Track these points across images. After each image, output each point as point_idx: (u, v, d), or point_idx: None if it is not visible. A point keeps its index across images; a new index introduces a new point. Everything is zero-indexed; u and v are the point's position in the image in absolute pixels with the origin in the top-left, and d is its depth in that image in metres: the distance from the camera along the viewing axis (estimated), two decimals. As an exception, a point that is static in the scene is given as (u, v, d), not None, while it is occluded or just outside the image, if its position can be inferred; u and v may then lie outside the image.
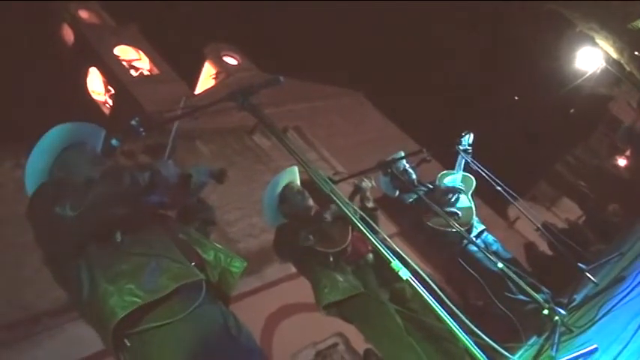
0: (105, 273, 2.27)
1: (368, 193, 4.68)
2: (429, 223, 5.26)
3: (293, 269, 4.69)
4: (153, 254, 2.36)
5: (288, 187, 4.44)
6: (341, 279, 4.05)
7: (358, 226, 2.31)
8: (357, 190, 4.65)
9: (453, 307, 2.28)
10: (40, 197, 2.38)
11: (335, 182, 4.12)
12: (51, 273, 2.40)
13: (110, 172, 2.36)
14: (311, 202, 4.39)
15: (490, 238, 5.59)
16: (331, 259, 4.11)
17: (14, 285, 7.61)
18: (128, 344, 2.24)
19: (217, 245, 2.71)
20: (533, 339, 4.59)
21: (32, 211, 2.35)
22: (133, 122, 2.52)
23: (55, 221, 2.21)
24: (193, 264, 2.46)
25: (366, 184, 4.65)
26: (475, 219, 5.50)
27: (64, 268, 2.35)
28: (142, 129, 2.55)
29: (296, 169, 4.47)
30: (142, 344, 2.23)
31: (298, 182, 4.55)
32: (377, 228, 3.01)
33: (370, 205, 4.67)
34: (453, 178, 5.63)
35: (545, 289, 4.80)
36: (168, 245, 2.45)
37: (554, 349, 3.30)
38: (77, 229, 2.22)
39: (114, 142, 2.55)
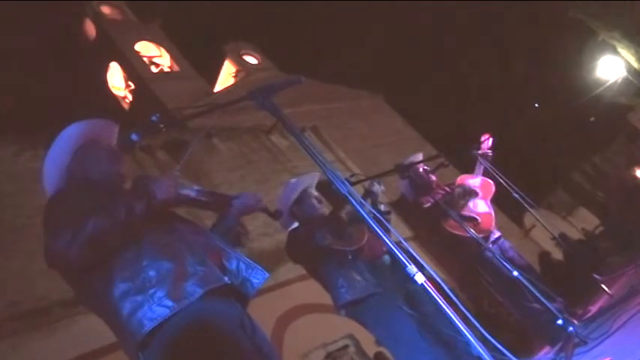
0: (133, 283, 2.25)
1: (380, 197, 4.65)
2: (447, 227, 5.24)
3: (306, 269, 4.68)
4: (178, 258, 2.35)
5: (306, 191, 4.44)
6: (358, 278, 4.02)
7: (375, 230, 2.29)
8: (368, 194, 4.63)
9: (467, 314, 2.27)
10: (52, 213, 2.37)
11: (352, 184, 4.12)
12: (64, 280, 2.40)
13: (106, 205, 2.30)
14: (324, 210, 4.40)
15: (506, 244, 5.55)
16: (350, 257, 4.09)
17: (27, 276, 7.64)
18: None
19: (240, 255, 2.70)
20: (547, 349, 4.56)
21: (44, 223, 2.33)
22: (154, 118, 2.51)
23: (58, 252, 2.17)
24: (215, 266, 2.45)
25: (377, 188, 4.63)
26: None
27: (78, 280, 2.35)
28: (162, 125, 2.55)
29: (318, 175, 4.46)
30: (158, 342, 2.22)
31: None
32: (391, 229, 3.02)
33: (383, 208, 4.64)
34: (472, 182, 5.60)
35: (560, 299, 4.76)
36: (192, 247, 2.45)
37: (568, 360, 3.28)
38: (76, 261, 2.16)
39: (134, 136, 2.54)
